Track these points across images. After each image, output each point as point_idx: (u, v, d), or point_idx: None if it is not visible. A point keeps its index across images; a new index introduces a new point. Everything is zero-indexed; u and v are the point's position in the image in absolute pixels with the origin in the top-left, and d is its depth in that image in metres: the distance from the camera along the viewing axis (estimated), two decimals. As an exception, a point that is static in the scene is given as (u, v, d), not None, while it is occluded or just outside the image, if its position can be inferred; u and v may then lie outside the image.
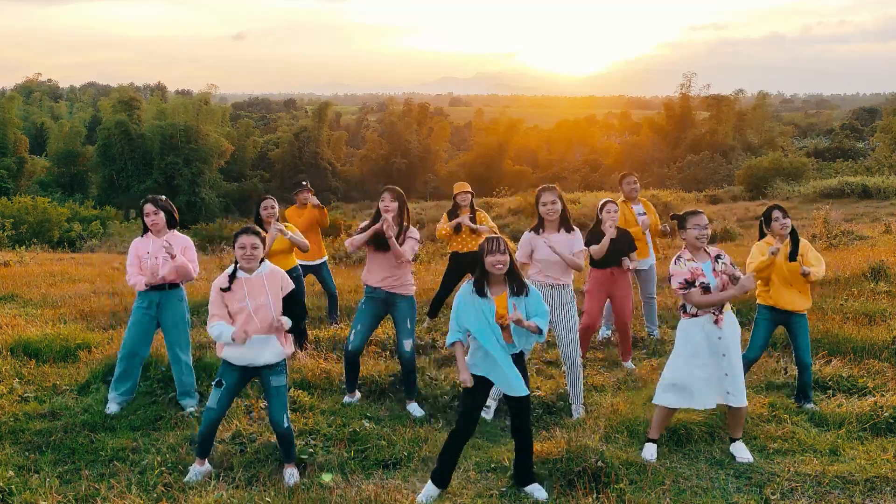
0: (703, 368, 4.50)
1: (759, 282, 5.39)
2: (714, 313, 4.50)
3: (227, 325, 4.23)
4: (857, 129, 63.03)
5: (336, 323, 7.80)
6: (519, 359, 4.17)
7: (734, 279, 4.48)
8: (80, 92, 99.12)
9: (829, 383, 5.77)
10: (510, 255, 4.06)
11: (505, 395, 4.24)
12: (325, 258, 7.79)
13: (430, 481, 4.18)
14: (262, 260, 4.36)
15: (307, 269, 7.56)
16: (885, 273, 8.88)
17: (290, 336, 4.44)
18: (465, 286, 4.17)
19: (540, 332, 4.03)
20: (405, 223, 5.37)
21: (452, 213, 7.59)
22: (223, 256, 13.74)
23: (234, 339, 4.13)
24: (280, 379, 4.38)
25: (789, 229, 5.32)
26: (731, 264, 4.56)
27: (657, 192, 28.29)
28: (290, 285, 4.39)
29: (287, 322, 4.25)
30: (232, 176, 50.03)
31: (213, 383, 4.37)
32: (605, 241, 6.00)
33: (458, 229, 7.53)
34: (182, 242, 5.45)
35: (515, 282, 4.09)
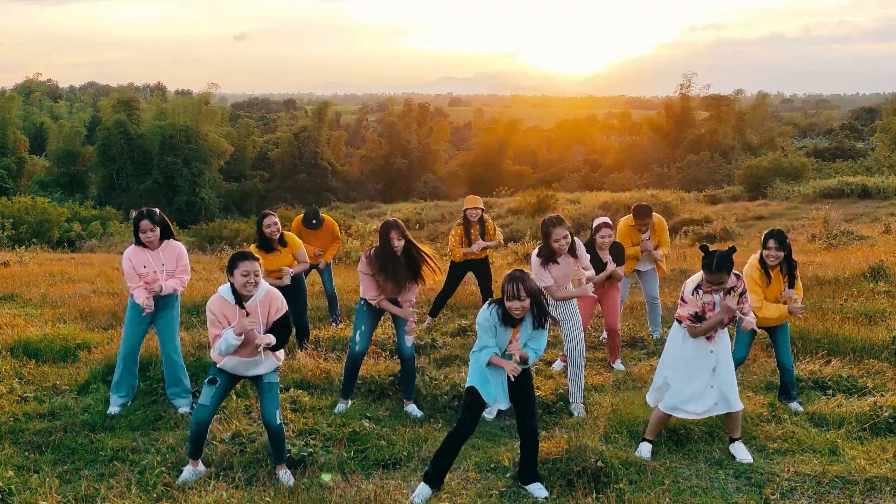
0: (690, 377, 4.52)
1: None
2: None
3: (227, 330, 4.22)
4: (856, 129, 63.01)
5: (337, 324, 7.82)
6: (525, 371, 4.28)
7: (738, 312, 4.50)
8: (80, 92, 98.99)
9: (829, 383, 5.77)
10: (531, 294, 4.06)
11: (512, 400, 4.29)
12: (330, 262, 7.87)
13: (422, 483, 4.17)
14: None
15: (311, 268, 7.67)
16: (884, 273, 8.88)
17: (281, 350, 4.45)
18: (488, 310, 4.18)
19: (526, 361, 4.20)
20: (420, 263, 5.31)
21: (465, 228, 7.60)
22: (222, 256, 13.74)
23: (238, 335, 4.15)
24: (273, 375, 4.41)
25: (778, 261, 5.28)
26: (740, 300, 4.52)
27: (657, 192, 28.29)
28: (284, 309, 4.34)
29: (271, 340, 4.23)
30: (232, 176, 49.96)
31: (206, 381, 4.37)
32: (603, 276, 6.10)
33: (467, 235, 7.59)
34: (175, 251, 5.40)
35: (536, 317, 4.17)
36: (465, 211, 7.61)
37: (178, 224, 30.42)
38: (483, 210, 7.65)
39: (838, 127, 65.96)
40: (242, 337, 4.17)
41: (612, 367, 6.52)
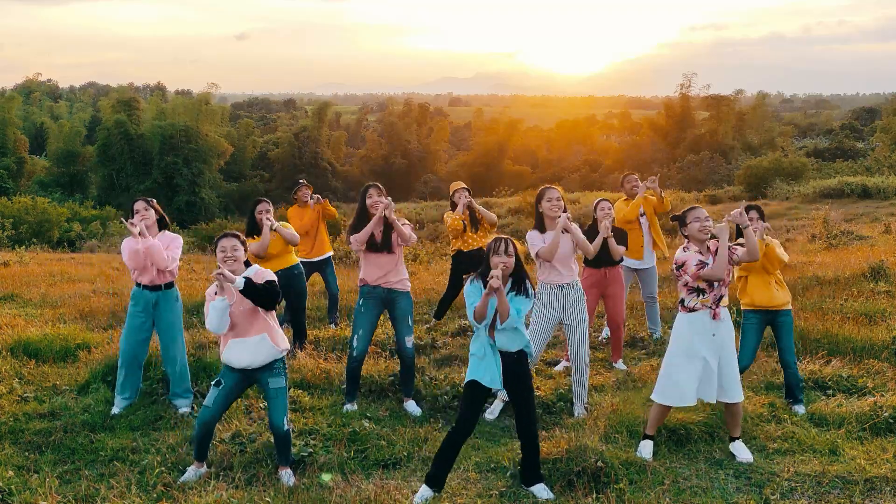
0: (695, 365, 4.52)
1: (739, 283, 5.53)
2: (711, 307, 4.51)
3: (216, 299, 4.17)
4: (856, 129, 63.01)
5: (336, 325, 7.78)
6: (520, 360, 4.21)
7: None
8: (80, 92, 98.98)
9: (829, 383, 5.77)
10: (517, 257, 4.10)
11: (510, 396, 4.27)
12: (330, 254, 7.68)
13: (424, 485, 4.15)
14: (248, 263, 4.35)
15: (311, 267, 7.52)
16: (884, 273, 8.88)
17: (280, 332, 4.38)
18: (473, 283, 4.17)
19: (510, 317, 4.06)
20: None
21: (471, 214, 7.25)
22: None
23: (221, 287, 4.11)
24: (279, 381, 4.36)
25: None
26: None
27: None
28: (270, 279, 4.28)
29: (233, 277, 4.10)
30: (232, 176, 49.96)
31: (212, 383, 4.37)
32: (598, 240, 6.02)
33: (473, 220, 7.25)
34: (169, 240, 5.45)
35: (518, 281, 4.15)
36: (452, 195, 7.30)
37: (178, 224, 30.41)
38: (468, 191, 7.28)
39: (838, 127, 65.94)
40: (225, 298, 4.12)
41: (613, 367, 6.52)
